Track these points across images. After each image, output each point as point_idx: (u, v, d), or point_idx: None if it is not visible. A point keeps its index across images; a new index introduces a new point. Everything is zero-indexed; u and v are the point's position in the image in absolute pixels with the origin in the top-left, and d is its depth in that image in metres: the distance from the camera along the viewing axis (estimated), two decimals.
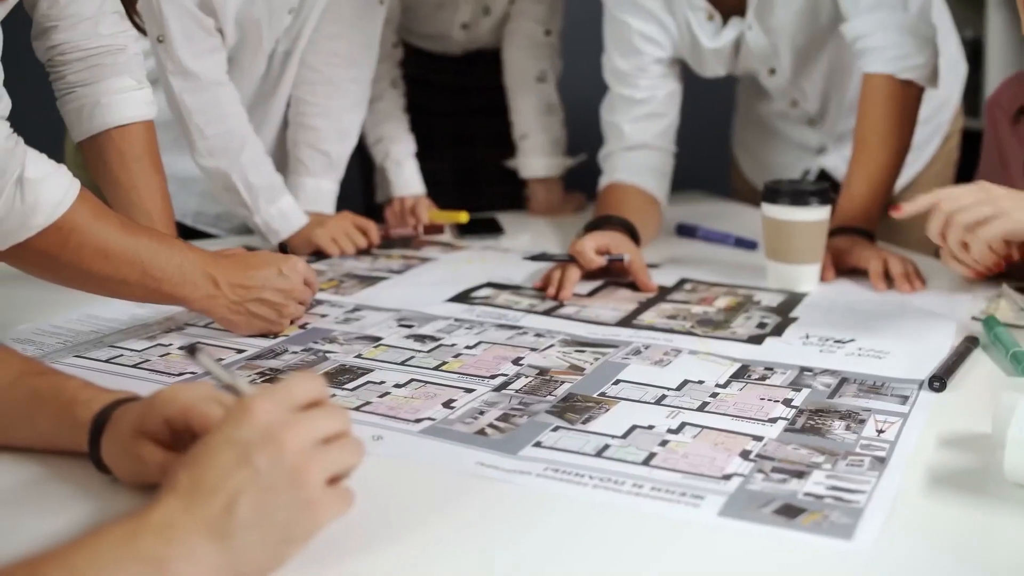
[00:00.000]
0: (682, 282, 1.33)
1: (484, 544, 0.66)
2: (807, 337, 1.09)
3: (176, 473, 0.60)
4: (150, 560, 0.55)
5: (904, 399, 0.90)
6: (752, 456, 0.78)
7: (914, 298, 1.23)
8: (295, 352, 1.05)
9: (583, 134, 1.87)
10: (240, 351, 1.06)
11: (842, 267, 1.32)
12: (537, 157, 1.80)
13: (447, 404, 0.90)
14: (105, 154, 1.23)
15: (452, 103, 1.94)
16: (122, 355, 1.04)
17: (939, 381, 0.92)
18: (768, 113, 1.73)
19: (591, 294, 1.28)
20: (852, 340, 1.07)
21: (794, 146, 1.74)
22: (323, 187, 1.57)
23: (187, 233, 1.69)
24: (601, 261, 1.28)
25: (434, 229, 1.64)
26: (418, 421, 0.86)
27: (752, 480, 0.74)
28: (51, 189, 0.93)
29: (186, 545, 0.57)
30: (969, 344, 1.02)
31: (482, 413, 0.88)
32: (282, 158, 1.60)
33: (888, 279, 1.27)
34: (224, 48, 1.42)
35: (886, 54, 1.34)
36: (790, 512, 0.69)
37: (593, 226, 1.40)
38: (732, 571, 0.63)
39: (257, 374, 0.99)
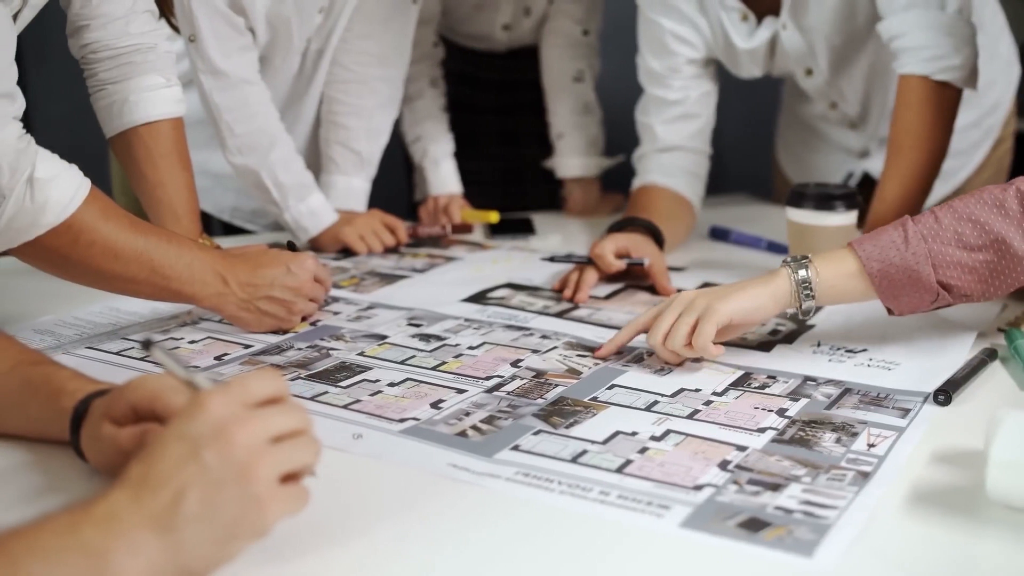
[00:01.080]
0: (703, 286, 1.30)
1: (432, 544, 0.66)
2: (818, 345, 1.06)
3: (129, 466, 0.61)
4: (91, 551, 0.56)
5: (905, 412, 0.87)
6: (731, 467, 0.76)
7: (959, 308, 1.18)
8: (300, 349, 1.06)
9: (623, 135, 1.85)
10: (247, 346, 1.07)
11: None
12: (573, 157, 1.78)
13: (435, 404, 0.90)
14: (133, 150, 1.26)
15: (498, 99, 1.94)
16: (133, 348, 1.06)
17: (944, 394, 0.89)
18: (810, 115, 1.69)
19: (608, 297, 1.26)
20: (864, 350, 1.03)
21: (836, 149, 1.69)
22: (354, 185, 1.59)
23: (224, 228, 1.73)
24: (620, 265, 1.27)
25: (463, 228, 1.64)
26: (402, 421, 0.86)
27: (724, 491, 0.72)
28: (61, 188, 0.95)
29: (129, 538, 0.57)
30: (986, 357, 0.98)
31: (468, 414, 0.87)
32: (315, 156, 1.62)
33: None
34: (255, 47, 1.44)
35: (921, 54, 1.29)
36: (754, 526, 0.67)
37: (617, 227, 1.38)
38: None
39: (258, 368, 1.00)
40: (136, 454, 0.62)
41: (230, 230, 1.72)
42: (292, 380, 0.96)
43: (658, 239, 1.36)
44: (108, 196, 1.02)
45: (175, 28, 1.42)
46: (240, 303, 1.07)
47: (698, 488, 0.73)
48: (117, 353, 1.05)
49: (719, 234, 1.59)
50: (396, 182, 1.98)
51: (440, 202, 1.71)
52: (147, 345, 0.64)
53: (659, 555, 0.64)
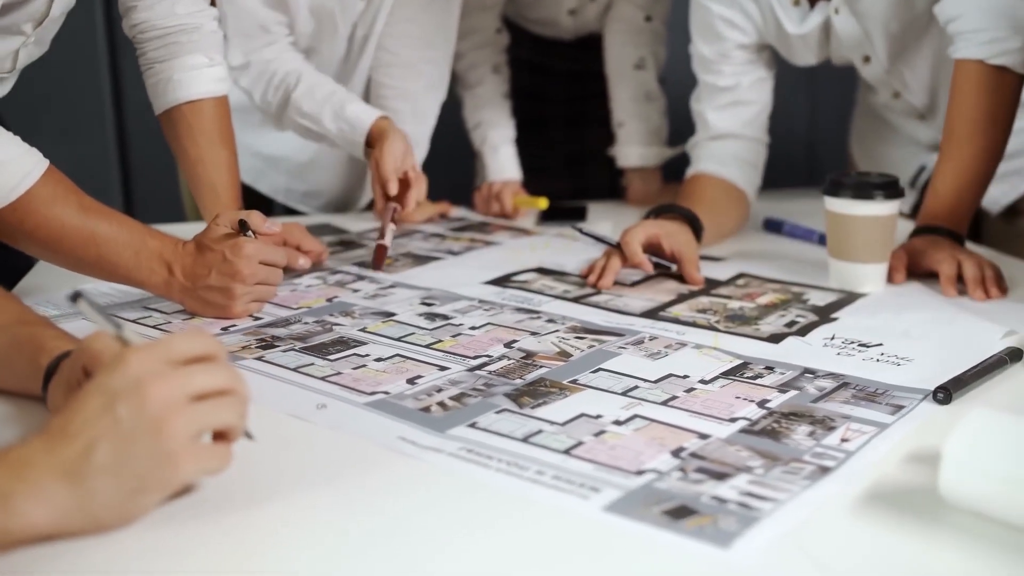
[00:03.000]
0: (738, 276, 1.26)
1: (350, 512, 0.65)
2: (832, 339, 1.00)
3: (52, 418, 0.63)
4: None
5: (897, 409, 0.82)
6: (684, 454, 0.73)
7: (987, 306, 1.11)
8: (307, 323, 1.07)
9: (691, 125, 1.80)
10: (257, 319, 1.09)
11: (918, 270, 1.21)
12: (633, 146, 1.75)
13: (411, 380, 0.89)
14: (176, 127, 1.30)
15: (568, 89, 1.92)
16: (150, 316, 1.10)
17: (944, 392, 0.83)
18: (879, 105, 1.61)
19: (634, 284, 1.23)
20: (879, 344, 0.98)
21: (907, 141, 1.60)
22: None
23: (279, 210, 1.77)
24: (645, 262, 1.22)
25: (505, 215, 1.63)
26: (372, 394, 0.86)
27: (666, 478, 0.69)
28: (9, 173, 0.99)
29: (36, 484, 0.59)
30: (1006, 356, 0.91)
31: (440, 391, 0.86)
32: None
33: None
34: (284, 39, 1.47)
35: (978, 38, 1.21)
36: (680, 513, 0.64)
37: (655, 213, 1.35)
38: (593, 566, 0.59)
39: (257, 339, 1.02)
40: (62, 407, 0.64)
41: (285, 211, 1.76)
42: (285, 351, 0.98)
43: (696, 228, 1.32)
44: (67, 179, 1.04)
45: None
46: (184, 291, 1.08)
47: (640, 473, 0.70)
48: (134, 321, 1.08)
49: (773, 226, 1.53)
50: (469, 169, 1.98)
51: (494, 188, 1.70)
52: (75, 298, 0.66)
53: (572, 536, 0.62)
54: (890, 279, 1.20)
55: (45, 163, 1.03)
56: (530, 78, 1.87)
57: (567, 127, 1.92)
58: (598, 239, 1.28)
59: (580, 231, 1.32)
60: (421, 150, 1.63)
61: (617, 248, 1.25)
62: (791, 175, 1.62)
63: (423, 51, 1.58)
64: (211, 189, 1.29)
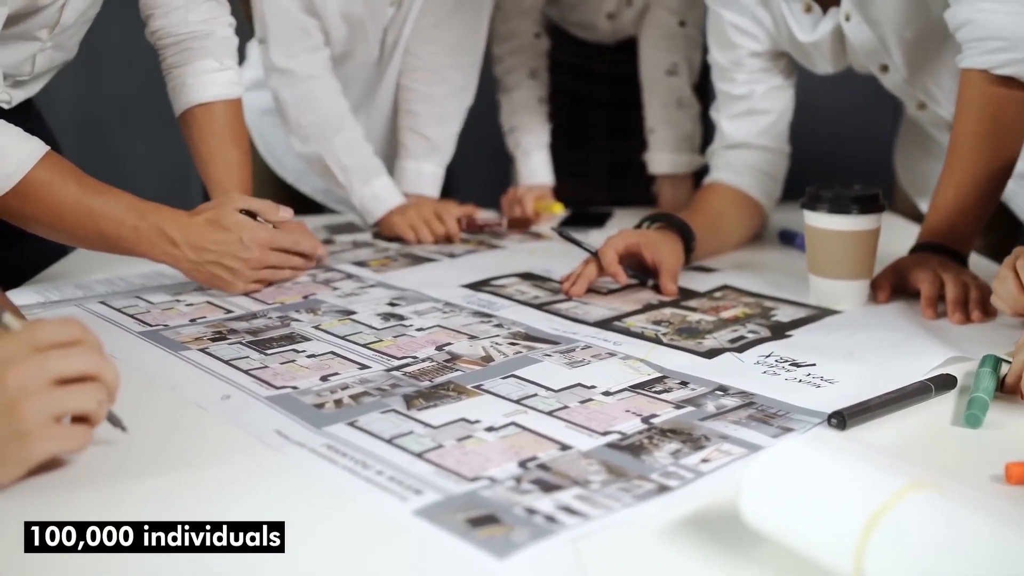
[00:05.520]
0: (718, 289, 1.23)
1: (198, 496, 0.69)
2: (767, 356, 0.97)
3: None
4: None
5: (785, 432, 0.79)
6: (531, 464, 0.73)
7: (965, 330, 1.05)
8: (269, 318, 1.12)
9: None
10: (228, 312, 1.15)
11: (905, 288, 1.16)
12: (663, 152, 1.73)
13: (325, 377, 0.92)
14: (190, 129, 1.37)
15: (611, 93, 1.91)
16: (135, 305, 1.17)
17: (838, 417, 0.80)
18: (913, 116, 1.53)
19: (609, 293, 1.23)
20: (812, 365, 0.94)
21: (943, 153, 1.52)
22: (424, 169, 1.63)
23: (318, 208, 1.84)
24: (619, 272, 1.21)
25: (522, 222, 1.63)
26: (280, 388, 0.89)
27: (496, 486, 0.69)
28: (6, 161, 1.06)
29: None
30: (930, 383, 0.86)
31: (344, 388, 0.89)
32: (392, 145, 1.68)
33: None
34: (325, 47, 1.53)
35: (984, 46, 1.14)
36: (482, 522, 0.64)
37: (650, 221, 1.33)
38: (375, 565, 0.61)
39: (213, 331, 1.07)
40: None
41: (323, 210, 1.82)
42: (231, 344, 1.02)
43: (686, 238, 1.29)
44: (66, 162, 1.13)
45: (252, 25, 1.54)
46: (189, 264, 1.16)
47: (474, 479, 0.71)
48: (118, 309, 1.16)
49: (787, 237, 1.48)
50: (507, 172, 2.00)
51: (519, 192, 1.71)
52: None
53: (370, 535, 0.64)
54: (876, 298, 1.15)
55: (43, 149, 1.11)
56: (573, 81, 1.88)
57: (609, 135, 1.91)
58: (578, 244, 1.28)
59: (561, 235, 1.31)
60: (445, 152, 1.66)
61: (595, 256, 1.24)
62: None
63: (449, 57, 1.61)
64: (220, 187, 1.36)
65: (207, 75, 1.36)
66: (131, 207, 1.15)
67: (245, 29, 1.80)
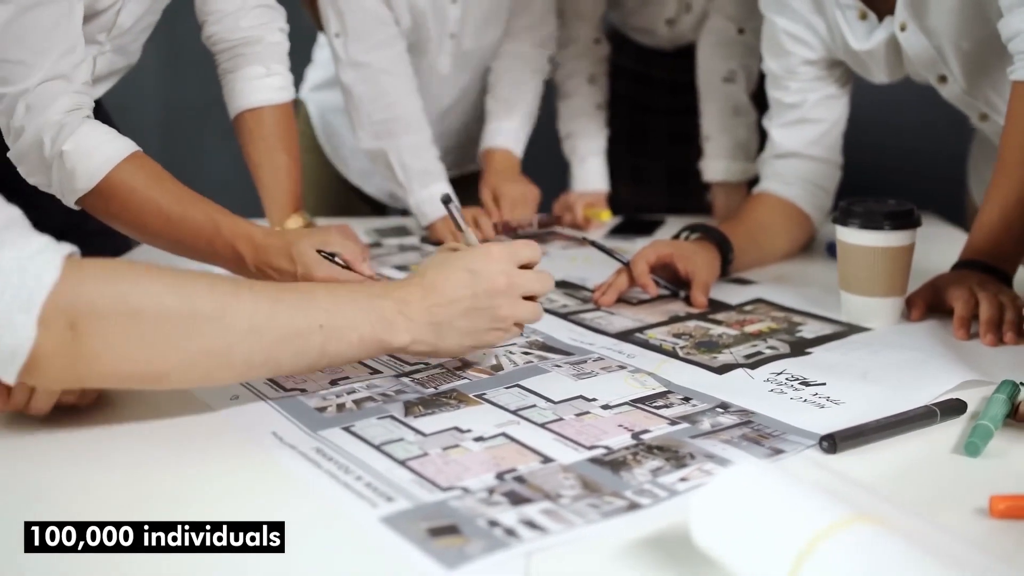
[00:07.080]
0: (750, 302, 1.22)
1: (181, 483, 0.72)
2: (778, 374, 0.96)
3: (422, 273, 0.88)
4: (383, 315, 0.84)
5: (776, 453, 0.78)
6: (508, 476, 0.74)
7: (994, 352, 1.01)
8: None
9: None
10: None
11: (942, 306, 1.12)
12: (718, 160, 1.71)
13: (334, 381, 0.94)
14: (241, 134, 1.42)
15: (670, 100, 1.90)
16: None
17: (829, 441, 0.78)
18: (978, 128, 1.48)
19: (640, 303, 1.22)
20: (822, 384, 0.92)
21: None
22: (503, 126, 1.72)
23: (382, 209, 1.88)
24: (649, 283, 1.20)
25: (550, 223, 1.64)
26: (289, 391, 0.92)
27: (467, 497, 0.70)
28: (90, 158, 1.10)
29: (411, 318, 0.85)
30: (935, 408, 0.83)
31: (351, 393, 0.91)
32: (460, 148, 1.72)
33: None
34: (400, 39, 1.57)
35: None
36: (442, 532, 0.65)
37: (689, 231, 1.32)
38: (335, 567, 0.63)
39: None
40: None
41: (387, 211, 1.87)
42: None
43: (724, 250, 1.28)
44: (155, 166, 1.16)
45: (320, 26, 1.58)
46: (251, 276, 1.16)
47: (448, 489, 0.72)
48: None
49: (834, 250, 1.44)
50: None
51: (571, 198, 1.72)
52: (446, 201, 1.03)
53: (336, 539, 0.65)
54: (909, 316, 1.12)
55: (130, 149, 1.14)
56: (632, 87, 1.87)
57: (669, 142, 1.90)
58: (609, 254, 1.28)
59: (594, 244, 1.31)
60: (525, 116, 1.74)
61: (628, 267, 1.24)
62: (926, 198, 1.49)
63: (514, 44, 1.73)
64: (268, 192, 1.40)
65: (256, 80, 1.40)
66: (209, 219, 1.16)
67: (311, 32, 1.85)
